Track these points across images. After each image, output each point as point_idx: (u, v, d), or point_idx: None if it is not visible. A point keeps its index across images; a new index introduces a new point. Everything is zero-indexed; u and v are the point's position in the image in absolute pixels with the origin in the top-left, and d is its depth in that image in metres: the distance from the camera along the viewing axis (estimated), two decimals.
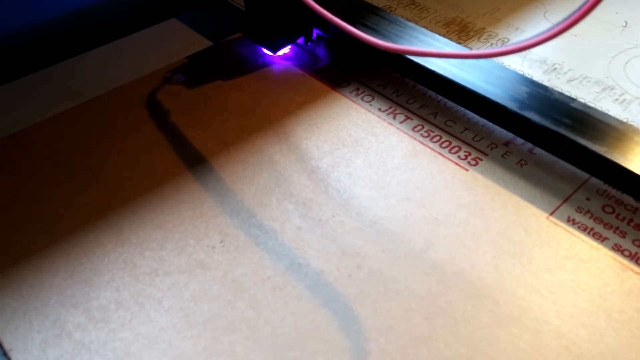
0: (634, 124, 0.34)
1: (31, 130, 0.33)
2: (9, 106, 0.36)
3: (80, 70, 0.38)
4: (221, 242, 0.27)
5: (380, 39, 0.35)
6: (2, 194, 0.30)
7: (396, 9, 0.45)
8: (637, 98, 0.36)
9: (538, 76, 0.38)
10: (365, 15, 0.38)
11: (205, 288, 0.26)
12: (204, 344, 0.24)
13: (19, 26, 0.38)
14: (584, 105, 0.31)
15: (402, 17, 0.44)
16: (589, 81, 0.38)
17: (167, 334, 0.24)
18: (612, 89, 0.37)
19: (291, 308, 0.25)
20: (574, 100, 0.31)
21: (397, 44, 0.35)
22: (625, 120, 0.34)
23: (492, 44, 0.41)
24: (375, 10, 0.38)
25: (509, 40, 0.42)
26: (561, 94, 0.32)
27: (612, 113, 0.35)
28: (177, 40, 0.41)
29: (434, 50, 0.27)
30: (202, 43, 0.41)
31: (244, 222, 0.28)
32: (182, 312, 0.25)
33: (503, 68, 0.34)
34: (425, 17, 0.44)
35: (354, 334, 0.24)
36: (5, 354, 0.24)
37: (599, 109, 0.35)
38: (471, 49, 0.40)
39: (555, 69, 0.39)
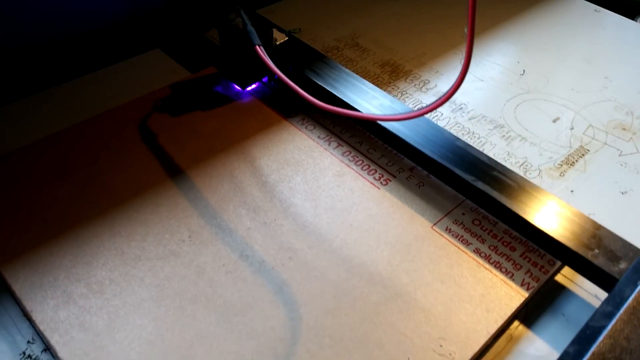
0: (513, 158, 0.44)
1: (41, 144, 0.42)
2: (18, 122, 0.44)
3: (79, 92, 0.47)
4: (189, 237, 0.37)
5: (322, 83, 0.45)
6: (17, 197, 0.38)
7: (343, 49, 0.55)
8: (519, 135, 0.46)
9: (447, 114, 0.48)
10: (314, 62, 0.47)
11: (175, 271, 0.35)
12: (173, 310, 0.33)
13: (25, 46, 0.46)
14: (465, 144, 0.41)
15: (348, 56, 0.54)
16: (486, 119, 0.48)
17: (147, 303, 0.33)
18: (502, 127, 0.47)
19: (238, 287, 0.34)
20: (458, 139, 0.41)
21: (334, 88, 0.45)
22: (508, 154, 0.45)
23: (415, 84, 0.51)
24: (322, 58, 0.48)
25: (429, 81, 0.52)
26: (449, 134, 0.41)
27: (497, 147, 0.45)
28: (160, 69, 0.50)
29: (347, 111, 0.37)
30: (181, 72, 0.50)
31: (207, 222, 0.38)
32: (158, 287, 0.34)
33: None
34: (365, 58, 0.54)
35: (282, 306, 0.34)
36: (26, 314, 0.33)
37: (489, 143, 0.46)
38: (398, 88, 0.50)
39: (461, 108, 0.49)
